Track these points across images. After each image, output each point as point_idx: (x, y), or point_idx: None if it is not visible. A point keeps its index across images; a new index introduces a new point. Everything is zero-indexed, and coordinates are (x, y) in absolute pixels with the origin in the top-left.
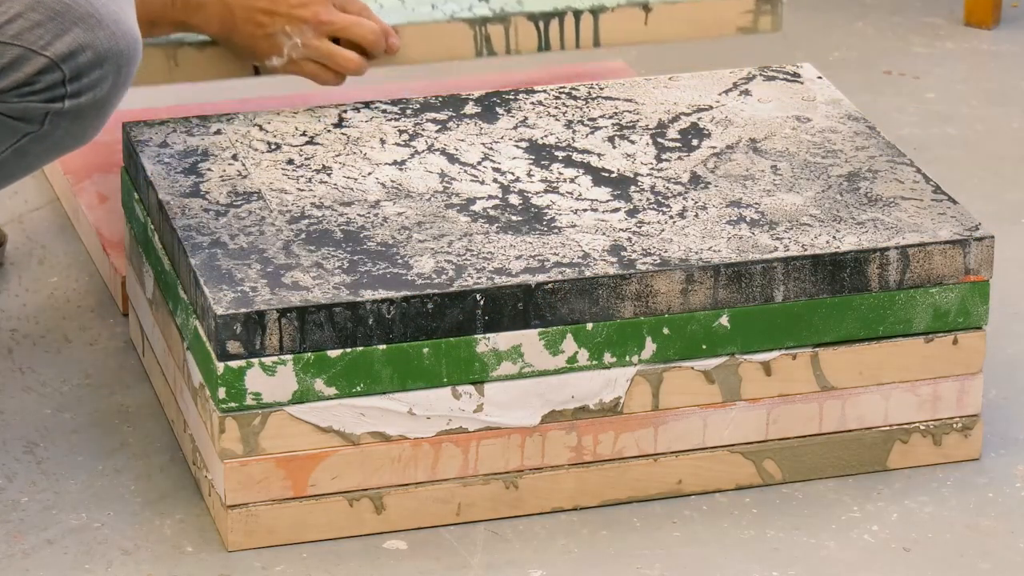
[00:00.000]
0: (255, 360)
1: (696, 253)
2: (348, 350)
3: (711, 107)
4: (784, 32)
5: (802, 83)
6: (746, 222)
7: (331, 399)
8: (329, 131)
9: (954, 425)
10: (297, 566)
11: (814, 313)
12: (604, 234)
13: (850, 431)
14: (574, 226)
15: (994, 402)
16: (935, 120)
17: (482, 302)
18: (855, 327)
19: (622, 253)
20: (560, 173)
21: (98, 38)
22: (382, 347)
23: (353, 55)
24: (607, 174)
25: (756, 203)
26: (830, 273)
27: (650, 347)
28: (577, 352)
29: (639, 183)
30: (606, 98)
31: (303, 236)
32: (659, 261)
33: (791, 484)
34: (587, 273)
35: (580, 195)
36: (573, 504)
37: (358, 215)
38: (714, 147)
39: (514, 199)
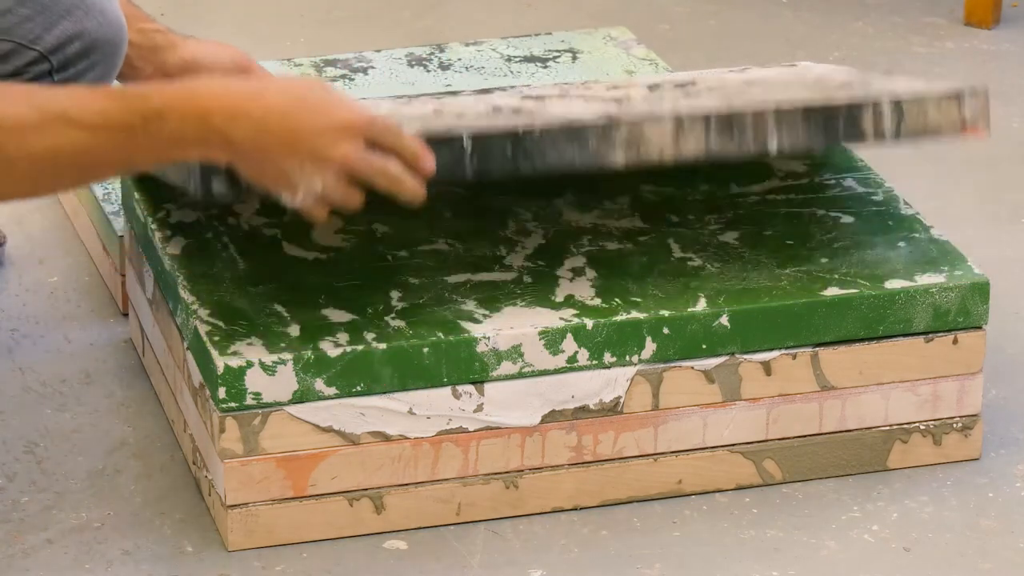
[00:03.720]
0: (255, 360)
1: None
2: (348, 350)
3: None
4: (784, 32)
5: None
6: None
7: (331, 399)
8: None
9: (954, 425)
10: (297, 566)
11: (814, 313)
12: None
13: (850, 431)
14: (566, 95)
15: (994, 402)
16: None
17: (469, 147)
18: (855, 327)
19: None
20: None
21: (86, 28)
22: (382, 346)
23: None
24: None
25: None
26: (823, 123)
27: (650, 347)
28: (577, 352)
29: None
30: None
31: None
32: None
33: (791, 484)
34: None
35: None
36: (573, 504)
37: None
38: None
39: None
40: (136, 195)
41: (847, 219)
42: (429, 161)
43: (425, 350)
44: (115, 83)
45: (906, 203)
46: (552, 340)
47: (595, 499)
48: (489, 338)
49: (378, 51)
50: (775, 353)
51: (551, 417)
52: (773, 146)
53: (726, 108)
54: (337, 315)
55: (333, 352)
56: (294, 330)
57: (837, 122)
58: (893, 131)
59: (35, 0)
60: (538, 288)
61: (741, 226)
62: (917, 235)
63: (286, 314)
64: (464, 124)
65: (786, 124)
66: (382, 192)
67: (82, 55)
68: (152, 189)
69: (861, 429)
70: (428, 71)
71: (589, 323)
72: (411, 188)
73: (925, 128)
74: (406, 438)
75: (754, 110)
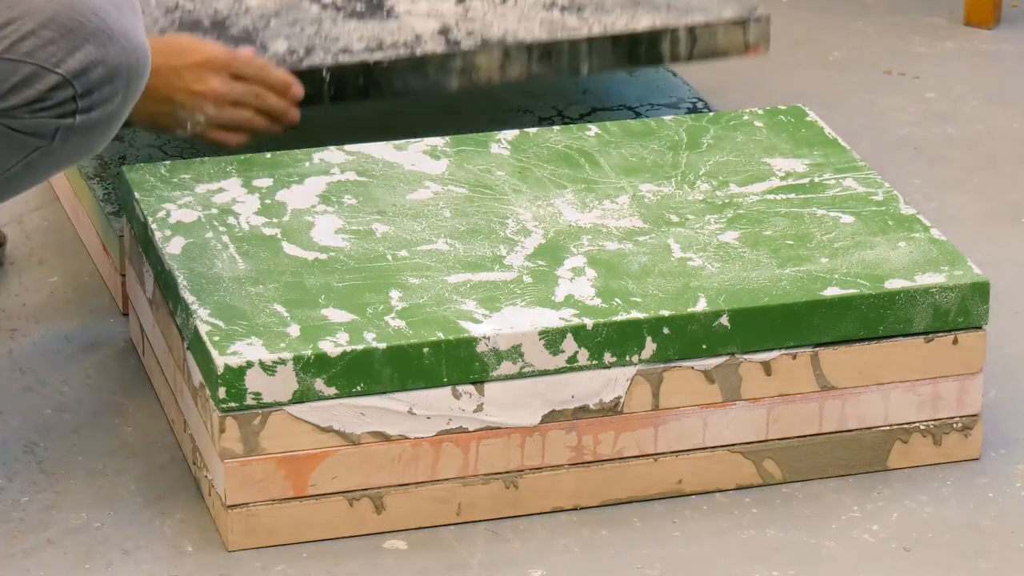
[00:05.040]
0: (255, 360)
1: (513, 34)
2: (348, 349)
3: None
4: (784, 32)
5: None
6: (557, 8)
7: (331, 399)
8: None
9: (954, 425)
10: (297, 566)
11: (814, 313)
12: (435, 19)
13: (850, 431)
14: (410, 13)
15: (994, 402)
16: (935, 120)
17: (327, 78)
18: (855, 327)
19: (449, 35)
20: None
21: (110, 54)
22: (382, 346)
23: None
24: None
25: None
26: (627, 49)
27: (650, 347)
28: (577, 352)
29: None
30: None
31: (175, 25)
32: (480, 41)
33: (791, 484)
34: (418, 52)
35: None
36: (573, 504)
37: (224, 6)
38: None
39: None
40: (136, 195)
41: (847, 219)
42: (296, 87)
43: (425, 350)
44: None
45: (906, 203)
46: (552, 340)
47: (595, 499)
48: (489, 338)
49: None
50: (775, 353)
51: (551, 417)
52: (584, 69)
53: (546, 38)
54: (337, 315)
55: (333, 352)
56: (294, 330)
57: (639, 48)
58: (687, 54)
59: (58, 23)
60: (538, 288)
61: (741, 226)
62: (917, 235)
63: (286, 314)
64: (324, 60)
65: (596, 51)
66: (260, 124)
67: (105, 80)
68: (152, 189)
69: (861, 429)
70: None
71: (589, 323)
72: (283, 109)
73: (714, 50)
74: (406, 438)
75: (570, 39)
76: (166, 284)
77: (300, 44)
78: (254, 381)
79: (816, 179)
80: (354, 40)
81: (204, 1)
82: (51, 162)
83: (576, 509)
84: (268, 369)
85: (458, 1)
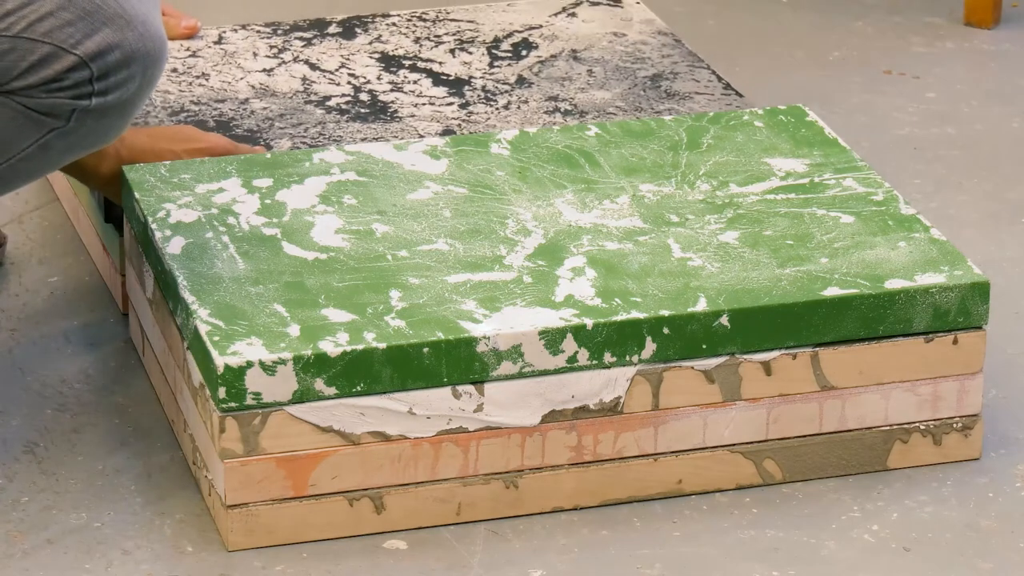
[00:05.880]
0: (255, 359)
1: None
2: (348, 349)
3: (541, 26)
4: (784, 32)
5: (622, 7)
6: (561, 112)
7: (331, 399)
8: (209, 47)
9: (954, 425)
10: (297, 566)
11: (814, 313)
12: (438, 122)
13: (850, 431)
14: (413, 116)
15: (994, 402)
16: (935, 120)
17: None
18: (855, 327)
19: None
20: (405, 77)
21: (127, 39)
22: (382, 346)
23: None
24: (446, 77)
25: (571, 98)
26: None
27: (650, 347)
28: (577, 352)
29: (472, 84)
30: (451, 20)
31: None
32: None
33: (791, 484)
34: None
35: (421, 93)
36: (573, 504)
37: (228, 108)
38: (540, 56)
39: (364, 97)
40: (136, 195)
41: (847, 219)
42: None
43: (425, 350)
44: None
45: (906, 203)
46: (552, 340)
47: (595, 499)
48: (489, 338)
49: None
50: (775, 353)
51: (551, 417)
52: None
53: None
54: (337, 315)
55: (333, 352)
56: (294, 330)
57: None
58: None
59: (78, 5)
60: (538, 288)
61: (741, 226)
62: (917, 235)
63: (286, 314)
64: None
65: None
66: None
67: (122, 65)
68: (152, 189)
69: (861, 429)
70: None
71: (589, 323)
72: None
73: None
74: (406, 438)
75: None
76: (166, 284)
77: (304, 143)
78: (254, 381)
79: (816, 179)
80: (358, 139)
81: (209, 104)
82: (66, 145)
83: (576, 509)
84: (268, 369)
85: (461, 106)
